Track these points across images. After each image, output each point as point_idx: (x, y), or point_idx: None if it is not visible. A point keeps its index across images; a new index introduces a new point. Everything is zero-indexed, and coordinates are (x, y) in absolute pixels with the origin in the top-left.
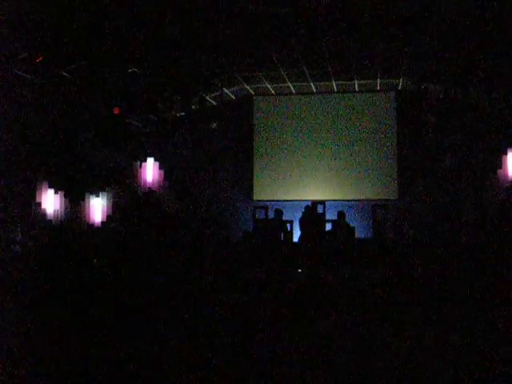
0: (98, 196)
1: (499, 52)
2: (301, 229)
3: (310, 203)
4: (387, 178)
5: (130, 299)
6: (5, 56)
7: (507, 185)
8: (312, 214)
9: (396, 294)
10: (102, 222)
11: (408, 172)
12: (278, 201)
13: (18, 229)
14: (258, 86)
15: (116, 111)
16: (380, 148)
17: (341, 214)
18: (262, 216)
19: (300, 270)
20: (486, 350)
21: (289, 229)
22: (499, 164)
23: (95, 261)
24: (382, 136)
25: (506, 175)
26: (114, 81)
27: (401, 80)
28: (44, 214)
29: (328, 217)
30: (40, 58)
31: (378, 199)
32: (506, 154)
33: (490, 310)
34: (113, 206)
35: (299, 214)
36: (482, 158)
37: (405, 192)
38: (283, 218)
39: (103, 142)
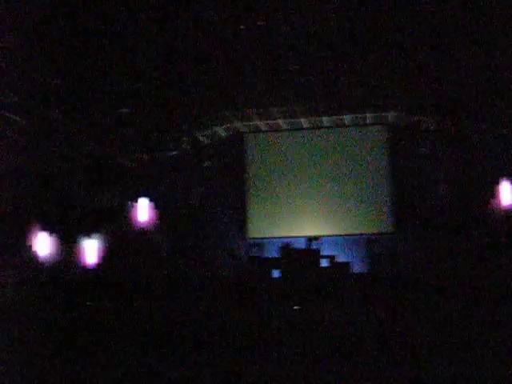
0: (90, 237)
1: (490, 84)
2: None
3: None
4: (382, 212)
5: (123, 342)
6: None
7: (501, 214)
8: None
9: (394, 331)
10: (96, 264)
11: (403, 205)
12: (272, 238)
13: (10, 272)
14: (249, 123)
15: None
16: (374, 181)
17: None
18: (256, 253)
19: (296, 307)
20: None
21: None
22: (493, 194)
23: (88, 303)
24: (375, 169)
25: (499, 205)
26: (104, 121)
27: (391, 113)
28: (36, 257)
29: (324, 253)
30: None
31: (373, 233)
32: (499, 183)
33: (491, 343)
34: (106, 248)
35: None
36: (476, 188)
37: (400, 225)
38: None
39: (94, 182)
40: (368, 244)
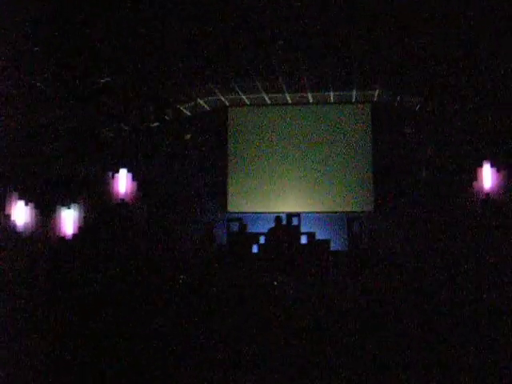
0: (69, 208)
1: (475, 66)
2: (268, 240)
3: (281, 215)
4: (363, 190)
5: (104, 313)
6: None
7: (483, 197)
8: (281, 225)
9: (371, 309)
10: (73, 235)
11: (384, 184)
12: (252, 213)
13: None
14: (233, 96)
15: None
16: (356, 160)
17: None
18: (236, 229)
19: (276, 283)
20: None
21: (263, 241)
22: (475, 176)
23: (68, 274)
24: (358, 148)
25: (481, 188)
26: (86, 90)
27: (377, 92)
28: (14, 227)
29: (304, 229)
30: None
31: (354, 211)
32: (482, 166)
33: (473, 321)
34: (84, 218)
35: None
36: (458, 170)
37: (380, 204)
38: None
39: (74, 152)
40: (348, 222)
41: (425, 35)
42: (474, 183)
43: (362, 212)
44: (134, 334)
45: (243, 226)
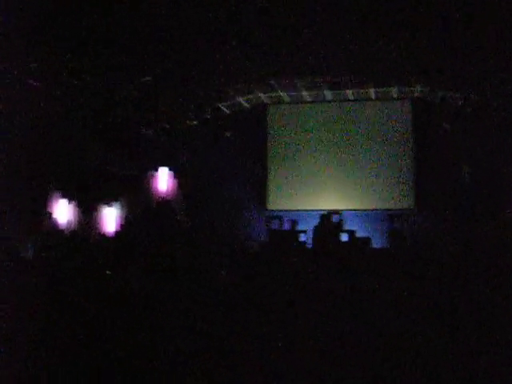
0: (110, 206)
1: None
2: (314, 238)
3: (325, 212)
4: (404, 188)
5: (144, 310)
6: (14, 64)
7: None
8: (327, 224)
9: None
10: (116, 232)
11: (425, 181)
12: (292, 210)
13: (30, 239)
14: (272, 94)
15: None
16: (396, 157)
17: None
18: (276, 226)
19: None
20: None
21: (303, 239)
22: None
23: (108, 272)
24: (399, 145)
25: None
26: (127, 90)
27: (417, 88)
28: (56, 224)
29: (345, 227)
30: None
31: (395, 209)
32: None
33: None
34: (126, 216)
35: (314, 224)
36: (502, 168)
37: (422, 203)
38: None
39: (116, 151)
40: (389, 220)
41: (466, 29)
42: None
43: (403, 209)
44: (170, 332)
45: (294, 224)
